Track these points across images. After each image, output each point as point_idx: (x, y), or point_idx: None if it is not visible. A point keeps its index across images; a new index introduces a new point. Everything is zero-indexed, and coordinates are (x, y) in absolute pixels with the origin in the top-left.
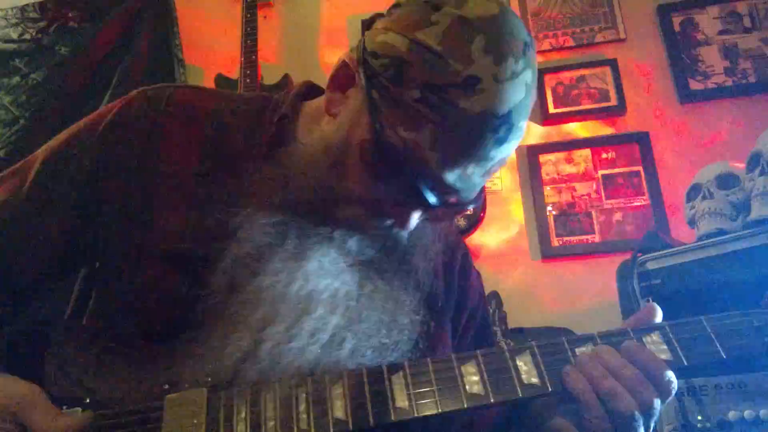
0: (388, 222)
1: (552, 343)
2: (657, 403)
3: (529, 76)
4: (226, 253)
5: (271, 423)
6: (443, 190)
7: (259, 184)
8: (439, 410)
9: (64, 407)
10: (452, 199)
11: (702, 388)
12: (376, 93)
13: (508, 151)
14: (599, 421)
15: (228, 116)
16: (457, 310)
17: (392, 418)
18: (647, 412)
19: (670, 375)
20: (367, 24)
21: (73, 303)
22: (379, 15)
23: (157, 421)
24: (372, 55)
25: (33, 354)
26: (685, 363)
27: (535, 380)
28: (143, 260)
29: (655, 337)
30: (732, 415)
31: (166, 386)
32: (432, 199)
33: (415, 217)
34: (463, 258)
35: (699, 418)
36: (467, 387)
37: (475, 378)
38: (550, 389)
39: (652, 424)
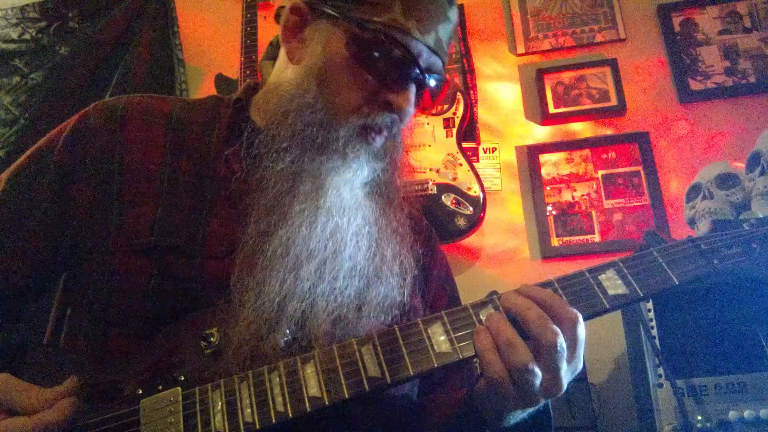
0: (389, 118)
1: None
2: (560, 341)
3: None
4: (251, 207)
5: (248, 410)
6: (427, 56)
7: (226, 164)
8: (411, 373)
9: None
10: (433, 66)
11: (702, 388)
12: (337, 8)
13: (456, 14)
14: (500, 379)
15: (184, 114)
16: (426, 278)
17: (366, 388)
18: (550, 356)
19: (573, 311)
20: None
21: (51, 326)
22: None
23: (134, 425)
24: None
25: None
26: (641, 294)
27: None
28: (116, 258)
29: (610, 273)
30: (732, 415)
31: (140, 391)
32: (422, 66)
33: (411, 98)
34: (427, 229)
35: (699, 418)
36: (435, 347)
37: (442, 338)
38: None
39: (564, 378)
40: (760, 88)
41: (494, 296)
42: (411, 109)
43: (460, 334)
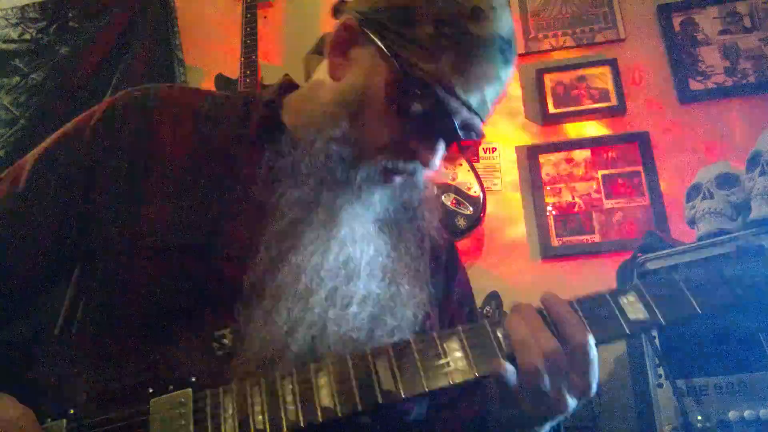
0: (411, 165)
1: None
2: (592, 343)
3: (509, 8)
4: (265, 231)
5: (260, 417)
6: (467, 115)
7: (252, 168)
8: (426, 389)
9: (49, 420)
10: (471, 126)
11: (702, 388)
12: (389, 40)
13: (509, 74)
14: (534, 368)
15: (213, 111)
16: (445, 296)
17: (379, 400)
18: (580, 357)
19: (589, 338)
20: (339, 7)
21: (63, 317)
22: None
23: (144, 425)
24: (371, 11)
25: (15, 368)
26: (662, 321)
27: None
28: (133, 252)
29: (631, 297)
30: (732, 415)
31: (150, 389)
32: (457, 125)
33: (440, 152)
34: (449, 248)
35: (699, 418)
36: (452, 363)
37: (459, 354)
38: None
39: (570, 402)
40: (760, 88)
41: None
42: (437, 162)
43: (476, 352)
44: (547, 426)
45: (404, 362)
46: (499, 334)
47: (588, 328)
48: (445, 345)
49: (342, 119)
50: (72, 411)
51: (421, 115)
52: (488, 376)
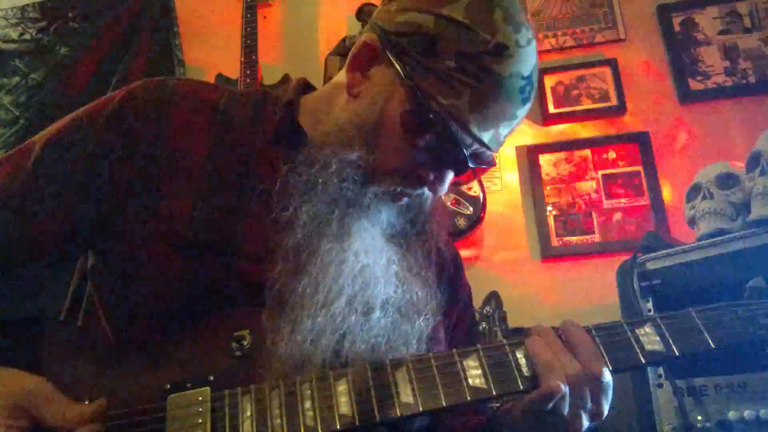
0: (419, 190)
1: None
2: (607, 373)
3: (535, 43)
4: (281, 244)
5: (277, 421)
6: (477, 148)
7: (268, 168)
8: (444, 404)
9: None
10: (482, 158)
11: (702, 388)
12: (409, 66)
13: (525, 111)
14: (556, 389)
15: (230, 106)
16: (450, 304)
17: (397, 412)
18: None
19: (605, 371)
20: (366, 12)
21: (69, 302)
22: (369, 4)
23: (161, 421)
24: (396, 34)
25: (24, 353)
26: (677, 353)
27: (532, 372)
28: (149, 246)
29: (648, 329)
30: (732, 415)
31: (168, 386)
32: (467, 158)
33: (448, 181)
34: (454, 256)
35: (699, 418)
36: (470, 380)
37: (477, 372)
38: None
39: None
40: (760, 88)
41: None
42: (444, 189)
43: (494, 370)
44: None
45: (423, 376)
46: (519, 355)
47: (605, 355)
48: (464, 362)
49: (357, 143)
50: (87, 401)
51: (433, 146)
52: (504, 395)
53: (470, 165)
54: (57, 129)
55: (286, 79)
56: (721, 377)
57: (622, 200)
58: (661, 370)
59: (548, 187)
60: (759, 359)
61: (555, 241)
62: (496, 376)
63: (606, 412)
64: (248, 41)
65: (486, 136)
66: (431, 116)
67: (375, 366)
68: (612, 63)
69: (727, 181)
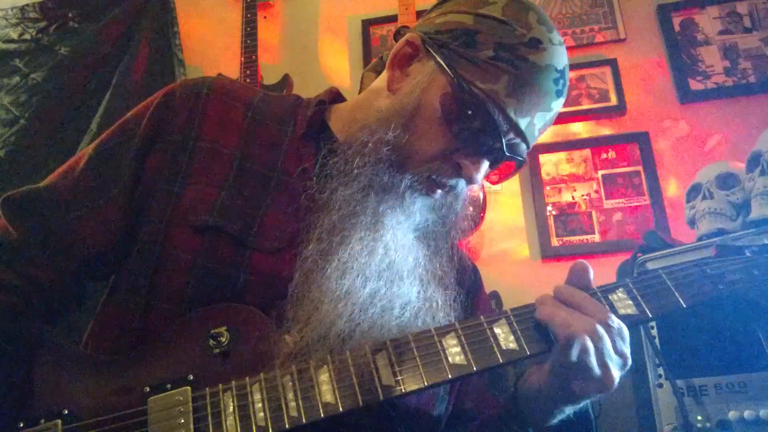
0: (454, 180)
1: (526, 311)
2: (612, 316)
3: (565, 47)
4: (314, 224)
5: (261, 414)
6: (513, 137)
7: (298, 163)
8: (425, 383)
9: (42, 420)
10: (515, 148)
11: (702, 388)
12: (449, 58)
13: (559, 106)
14: (583, 340)
15: (264, 105)
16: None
17: (380, 396)
18: (596, 337)
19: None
20: (403, 34)
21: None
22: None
23: (143, 425)
24: (436, 33)
25: (19, 360)
26: (650, 315)
27: (513, 345)
28: (170, 229)
29: (620, 294)
30: (732, 415)
31: (147, 388)
32: (504, 144)
33: (483, 170)
34: (473, 269)
35: (699, 418)
36: (450, 358)
37: (457, 349)
38: (528, 353)
39: (614, 363)
40: (760, 88)
41: (508, 311)
42: (480, 178)
43: (474, 346)
44: (595, 393)
45: (403, 358)
46: (496, 331)
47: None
48: (443, 340)
49: (396, 125)
50: (66, 411)
51: (471, 131)
52: (486, 370)
53: (506, 153)
54: (109, 131)
55: (286, 79)
56: (721, 377)
57: (622, 200)
58: (661, 371)
59: (548, 187)
60: (759, 359)
61: (555, 241)
62: (475, 352)
63: (630, 358)
64: (248, 41)
65: (522, 123)
66: (469, 99)
67: (355, 352)
68: (612, 63)
69: (727, 181)
